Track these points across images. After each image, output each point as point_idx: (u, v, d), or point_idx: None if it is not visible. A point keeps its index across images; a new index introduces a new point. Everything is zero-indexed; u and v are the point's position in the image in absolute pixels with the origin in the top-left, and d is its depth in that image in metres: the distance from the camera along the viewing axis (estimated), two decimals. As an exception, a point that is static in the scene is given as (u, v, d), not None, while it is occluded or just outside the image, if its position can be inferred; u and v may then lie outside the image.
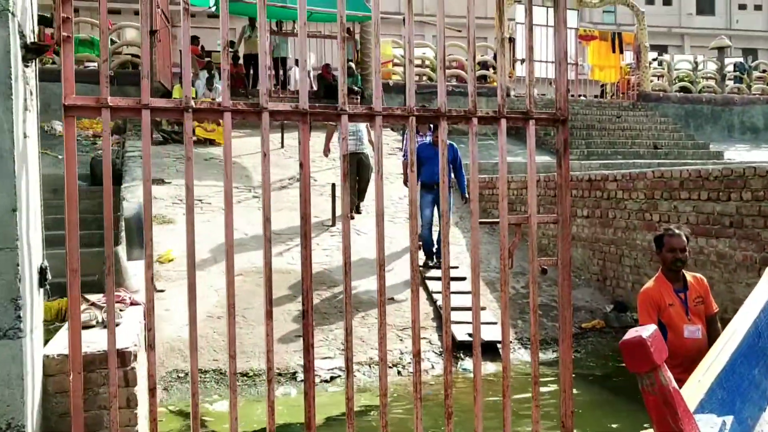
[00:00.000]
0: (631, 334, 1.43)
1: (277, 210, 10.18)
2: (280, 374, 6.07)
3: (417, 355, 3.88)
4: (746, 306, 2.53)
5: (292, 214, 10.08)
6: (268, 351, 3.53)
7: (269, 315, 3.50)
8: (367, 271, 8.06)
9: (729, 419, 1.63)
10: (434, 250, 8.71)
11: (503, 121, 3.96)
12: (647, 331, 1.43)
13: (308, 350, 3.61)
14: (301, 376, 6.20)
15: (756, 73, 22.25)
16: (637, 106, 18.91)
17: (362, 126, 9.84)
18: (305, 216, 3.68)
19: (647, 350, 1.38)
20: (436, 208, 8.63)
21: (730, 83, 21.36)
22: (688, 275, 4.33)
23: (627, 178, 8.06)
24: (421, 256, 8.49)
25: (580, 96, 19.74)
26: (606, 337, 7.63)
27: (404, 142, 9.26)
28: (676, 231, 4.25)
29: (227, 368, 6.20)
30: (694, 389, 1.77)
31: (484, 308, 7.29)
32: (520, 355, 6.83)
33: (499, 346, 7.07)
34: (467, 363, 6.64)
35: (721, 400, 1.83)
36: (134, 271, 5.95)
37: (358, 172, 9.88)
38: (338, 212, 9.85)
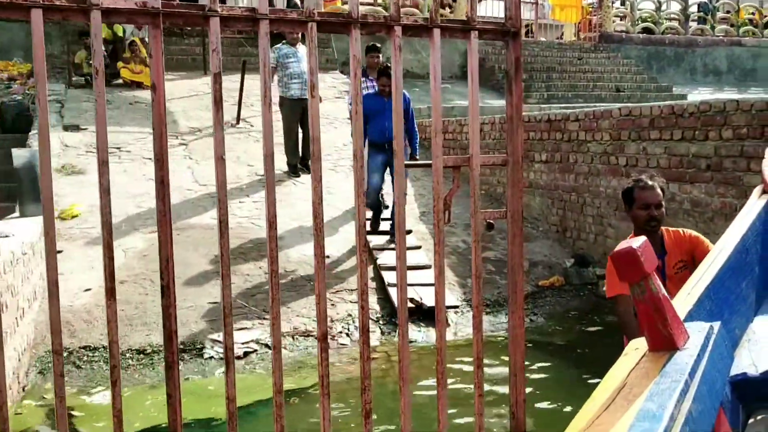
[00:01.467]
0: (621, 245, 1.46)
1: (207, 158, 9.16)
2: (184, 351, 5.14)
3: (323, 339, 2.99)
4: (734, 223, 2.54)
5: (225, 164, 9.09)
6: (111, 342, 2.61)
7: (111, 293, 2.58)
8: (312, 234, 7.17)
9: (716, 324, 1.64)
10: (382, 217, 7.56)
11: (436, 32, 3.02)
12: (637, 242, 1.45)
13: (170, 339, 2.69)
14: (213, 352, 5.29)
15: (720, 14, 21.52)
16: (598, 47, 18.08)
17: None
18: (160, 158, 2.74)
19: (638, 260, 1.42)
20: (388, 172, 7.11)
21: (693, 24, 20.60)
22: (668, 233, 3.47)
23: (590, 117, 7.19)
24: (370, 214, 7.50)
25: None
26: (566, 296, 6.84)
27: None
28: (649, 182, 3.31)
29: (121, 344, 5.29)
30: (683, 301, 1.82)
31: (429, 267, 6.44)
32: (469, 320, 5.99)
33: (452, 310, 6.26)
34: (412, 333, 5.80)
35: (709, 310, 1.91)
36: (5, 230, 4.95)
37: (302, 122, 8.67)
38: (279, 165, 8.85)
